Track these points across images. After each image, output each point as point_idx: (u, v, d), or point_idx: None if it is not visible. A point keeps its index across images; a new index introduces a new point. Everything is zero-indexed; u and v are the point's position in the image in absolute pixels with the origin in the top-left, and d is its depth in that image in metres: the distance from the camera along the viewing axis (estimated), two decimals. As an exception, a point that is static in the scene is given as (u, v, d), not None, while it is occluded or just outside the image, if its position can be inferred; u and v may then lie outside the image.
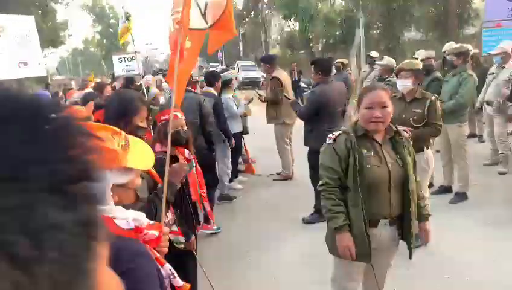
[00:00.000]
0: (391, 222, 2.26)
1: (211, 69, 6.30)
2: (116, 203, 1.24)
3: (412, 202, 2.24)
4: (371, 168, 2.18)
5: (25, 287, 0.25)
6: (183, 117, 2.79)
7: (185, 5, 1.85)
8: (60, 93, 10.01)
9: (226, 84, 5.67)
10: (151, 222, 1.45)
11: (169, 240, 2.34)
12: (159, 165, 2.46)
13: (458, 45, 5.15)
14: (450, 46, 5.74)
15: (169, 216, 2.17)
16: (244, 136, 6.31)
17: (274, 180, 6.25)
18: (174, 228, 2.46)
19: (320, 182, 2.28)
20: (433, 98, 3.60)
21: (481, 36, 9.28)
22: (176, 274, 1.50)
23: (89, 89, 5.40)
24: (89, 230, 0.31)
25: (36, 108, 0.31)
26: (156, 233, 1.37)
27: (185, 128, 2.75)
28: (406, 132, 3.45)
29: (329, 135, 2.31)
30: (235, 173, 6.20)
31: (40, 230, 0.27)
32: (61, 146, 0.30)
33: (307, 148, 4.70)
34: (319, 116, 4.53)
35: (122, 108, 2.07)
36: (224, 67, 13.67)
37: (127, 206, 1.29)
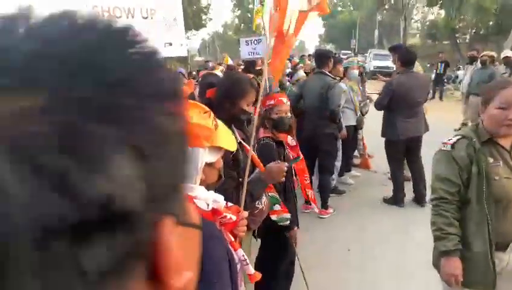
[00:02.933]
0: None
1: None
2: (202, 182, 1.26)
3: None
4: (500, 180, 1.83)
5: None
6: (288, 103, 2.75)
7: None
8: (194, 73, 10.90)
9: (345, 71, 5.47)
10: (230, 204, 1.43)
11: (272, 221, 2.35)
12: (267, 149, 2.47)
13: None
14: None
15: (263, 202, 2.13)
16: (362, 130, 6.01)
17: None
18: (277, 207, 2.44)
19: (434, 195, 1.96)
20: None
21: None
22: (248, 261, 1.47)
23: (218, 71, 5.70)
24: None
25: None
26: (233, 217, 1.35)
27: (289, 114, 2.70)
28: None
29: (445, 141, 1.98)
30: (348, 167, 5.98)
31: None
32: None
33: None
34: (395, 107, 4.61)
35: (230, 89, 2.08)
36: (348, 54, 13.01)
37: (209, 187, 1.30)
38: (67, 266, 0.22)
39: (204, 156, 1.22)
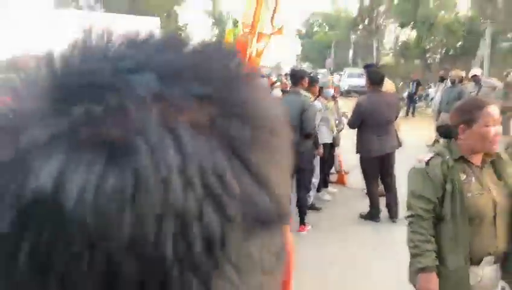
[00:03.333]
0: (496, 259, 1.95)
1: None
2: None
3: None
4: (473, 197, 1.88)
5: None
6: None
7: (257, 8, 1.81)
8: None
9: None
10: None
11: None
12: None
13: None
14: None
15: None
16: (338, 147, 6.08)
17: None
18: None
19: (410, 212, 1.98)
20: None
21: None
22: None
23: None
24: None
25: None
26: None
27: None
28: None
29: (419, 158, 1.99)
30: (325, 184, 6.02)
31: None
32: None
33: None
34: (367, 126, 4.74)
35: None
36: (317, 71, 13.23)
37: None
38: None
39: None
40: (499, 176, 1.96)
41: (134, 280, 0.20)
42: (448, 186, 1.88)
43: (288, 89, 6.32)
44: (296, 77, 4.84)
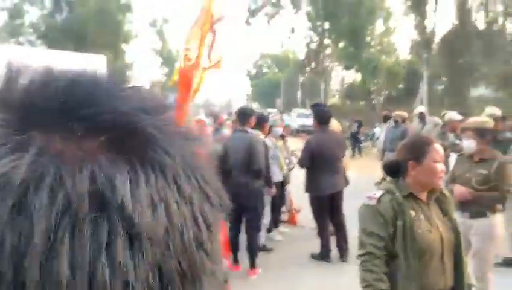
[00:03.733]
0: None
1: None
2: None
3: (465, 271, 1.98)
4: (423, 233, 1.89)
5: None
6: None
7: (201, 44, 1.79)
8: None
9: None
10: None
11: None
12: None
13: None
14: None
15: None
16: (288, 185, 6.02)
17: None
18: None
19: (362, 251, 1.94)
20: (502, 160, 3.31)
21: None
22: None
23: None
24: None
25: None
26: None
27: None
28: (466, 193, 3.24)
29: (370, 195, 1.98)
30: (276, 223, 5.89)
31: None
32: None
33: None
34: (316, 164, 4.76)
35: None
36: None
37: None
38: None
39: None
40: (444, 212, 2.01)
41: None
42: (399, 223, 1.88)
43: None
44: (244, 115, 4.81)
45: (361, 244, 1.96)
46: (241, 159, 4.45)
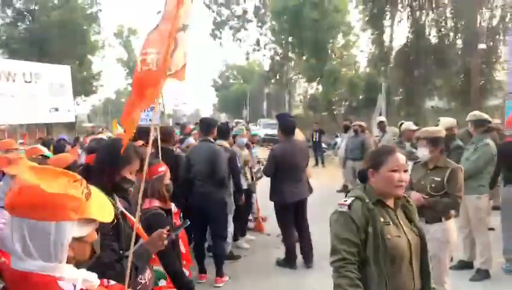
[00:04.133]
0: None
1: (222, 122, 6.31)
2: (71, 259, 1.12)
3: (430, 274, 2.07)
4: (392, 239, 1.95)
5: None
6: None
7: (164, 51, 1.78)
8: (81, 139, 10.31)
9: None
10: (112, 282, 1.32)
11: None
12: (160, 219, 2.37)
13: (474, 114, 5.00)
14: (472, 115, 5.57)
15: (147, 276, 2.00)
16: (255, 193, 6.18)
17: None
18: (162, 282, 2.30)
19: (335, 257, 1.95)
20: (454, 167, 3.44)
21: (505, 107, 9.13)
22: None
23: (104, 136, 5.48)
24: None
25: None
26: None
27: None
28: (421, 199, 3.43)
29: (341, 202, 2.02)
30: (243, 231, 6.03)
31: None
32: None
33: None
34: (280, 173, 4.84)
35: (112, 156, 1.97)
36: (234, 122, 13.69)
37: (81, 264, 1.17)
38: None
39: (72, 230, 1.09)
40: (409, 219, 2.07)
41: None
42: (370, 229, 1.92)
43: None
44: (207, 126, 4.89)
45: (334, 251, 1.96)
46: (204, 169, 4.51)
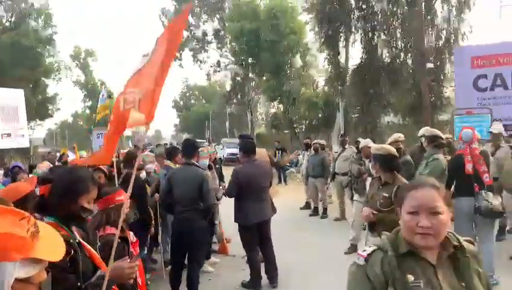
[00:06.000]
0: None
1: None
2: None
3: None
4: None
5: None
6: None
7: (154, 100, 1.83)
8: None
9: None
10: None
11: None
12: (109, 247, 2.32)
13: (426, 129, 5.30)
14: (423, 131, 5.88)
15: None
16: (218, 215, 6.16)
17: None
18: None
19: None
20: (400, 183, 3.57)
21: (454, 122, 9.69)
22: None
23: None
24: None
25: None
26: None
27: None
28: (371, 215, 3.56)
29: (360, 252, 1.59)
30: (207, 254, 5.95)
31: None
32: None
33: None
34: (243, 194, 4.83)
35: (69, 186, 1.93)
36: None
37: None
38: None
39: (14, 272, 1.03)
40: (460, 276, 1.49)
41: None
42: None
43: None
44: (191, 148, 4.80)
45: None
46: (188, 195, 4.39)
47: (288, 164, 16.92)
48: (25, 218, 1.08)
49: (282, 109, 26.49)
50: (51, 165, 6.58)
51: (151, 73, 1.93)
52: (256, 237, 5.03)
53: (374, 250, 1.54)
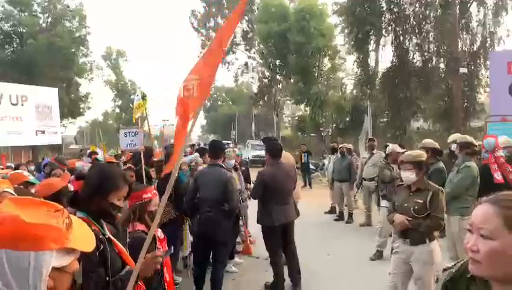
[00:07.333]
0: None
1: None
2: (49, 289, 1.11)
3: None
4: None
5: None
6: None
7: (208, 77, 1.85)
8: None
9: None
10: None
11: None
12: (138, 244, 2.36)
13: (456, 135, 5.14)
14: (454, 137, 5.71)
15: None
16: (242, 216, 6.16)
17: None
18: None
19: None
20: (435, 190, 3.55)
21: (487, 129, 9.34)
22: None
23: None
24: None
25: None
26: None
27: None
28: (405, 221, 3.51)
29: (445, 266, 1.43)
30: (231, 254, 5.97)
31: None
32: None
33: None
34: (268, 196, 4.80)
35: (100, 182, 1.98)
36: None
37: None
38: None
39: (51, 260, 1.08)
40: None
41: None
42: None
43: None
44: (217, 150, 4.82)
45: None
46: (213, 196, 4.43)
47: (313, 167, 16.77)
48: (59, 210, 1.13)
49: (308, 112, 26.28)
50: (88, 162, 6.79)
51: (208, 59, 1.97)
52: (280, 239, 5.01)
53: (457, 270, 1.37)
